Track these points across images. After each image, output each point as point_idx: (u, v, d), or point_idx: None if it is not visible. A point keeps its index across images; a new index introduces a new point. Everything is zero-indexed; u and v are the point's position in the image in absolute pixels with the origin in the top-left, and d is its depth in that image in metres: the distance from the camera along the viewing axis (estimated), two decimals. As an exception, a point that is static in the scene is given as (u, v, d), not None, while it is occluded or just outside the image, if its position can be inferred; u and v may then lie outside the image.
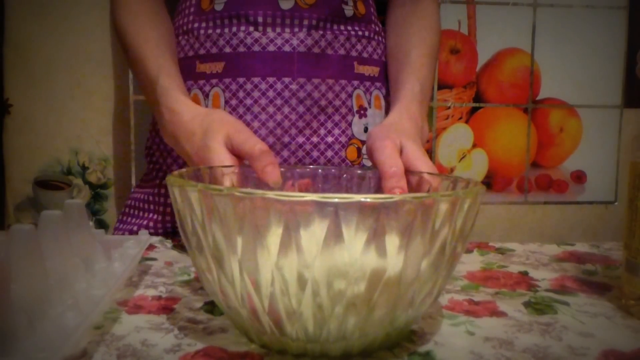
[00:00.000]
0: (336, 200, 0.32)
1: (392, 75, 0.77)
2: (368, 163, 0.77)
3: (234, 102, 0.71)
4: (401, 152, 0.56)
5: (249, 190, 0.33)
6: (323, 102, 0.73)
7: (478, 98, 1.23)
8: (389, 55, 0.79)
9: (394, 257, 0.34)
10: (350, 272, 0.33)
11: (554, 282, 0.56)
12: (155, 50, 0.69)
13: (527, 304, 0.49)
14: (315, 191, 0.54)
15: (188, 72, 0.73)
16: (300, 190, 0.54)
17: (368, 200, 0.32)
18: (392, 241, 0.33)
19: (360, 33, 0.76)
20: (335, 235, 0.32)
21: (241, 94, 0.71)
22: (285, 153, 0.72)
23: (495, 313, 0.47)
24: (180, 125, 0.62)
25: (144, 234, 0.57)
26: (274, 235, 0.33)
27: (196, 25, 0.74)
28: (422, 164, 0.54)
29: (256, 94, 0.71)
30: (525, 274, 0.58)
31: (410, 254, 0.34)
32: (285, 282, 0.34)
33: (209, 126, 0.58)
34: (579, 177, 1.28)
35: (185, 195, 0.36)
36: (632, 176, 0.46)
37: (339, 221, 0.32)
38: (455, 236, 0.36)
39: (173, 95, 0.64)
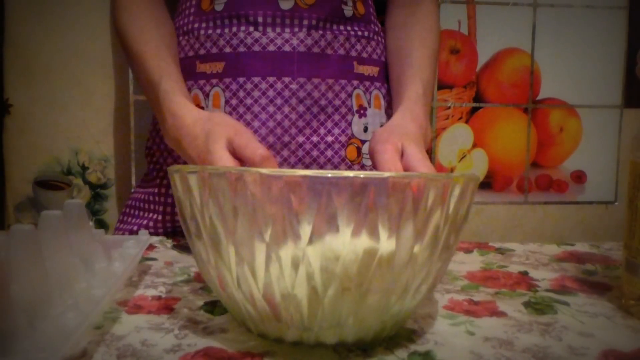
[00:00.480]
0: (329, 175, 0.33)
1: (393, 76, 0.77)
2: (368, 162, 0.77)
3: (234, 101, 0.71)
4: (402, 154, 0.56)
5: (243, 168, 0.34)
6: (323, 102, 0.73)
7: (478, 98, 1.23)
8: (389, 56, 0.80)
9: (385, 238, 0.34)
10: (342, 253, 0.34)
11: (554, 282, 0.56)
12: (156, 53, 0.69)
13: (527, 304, 0.49)
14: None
15: (188, 72, 0.73)
16: None
17: (360, 176, 0.33)
18: (384, 222, 0.34)
19: (359, 33, 0.76)
20: (328, 215, 0.33)
21: (241, 94, 0.71)
22: (285, 152, 0.72)
23: (495, 313, 0.47)
24: (183, 129, 0.62)
25: (144, 234, 0.57)
26: (269, 216, 0.34)
27: (196, 25, 0.74)
28: (423, 166, 0.54)
29: (256, 93, 0.71)
30: (525, 274, 0.58)
31: (402, 235, 0.35)
32: (280, 265, 0.34)
33: (210, 130, 0.58)
34: (579, 177, 1.28)
35: (185, 180, 0.37)
36: (632, 176, 0.46)
37: (332, 199, 0.33)
38: (448, 222, 0.37)
39: (175, 99, 0.64)
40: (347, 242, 0.34)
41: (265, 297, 0.36)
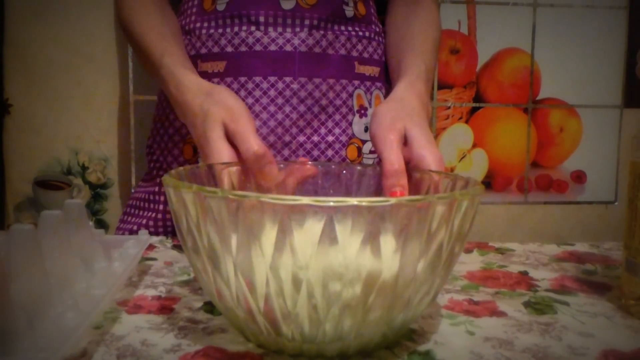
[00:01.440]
0: (331, 204, 0.32)
1: (393, 64, 0.75)
2: (369, 162, 0.77)
3: (234, 101, 0.71)
4: (406, 139, 0.55)
5: (242, 193, 0.33)
6: (324, 102, 0.73)
7: (478, 98, 1.23)
8: (390, 49, 0.79)
9: (389, 259, 0.34)
10: (345, 274, 0.33)
11: (554, 282, 0.56)
12: (159, 36, 0.69)
13: (527, 304, 0.49)
14: (315, 187, 0.54)
15: None
16: (304, 178, 0.54)
17: (363, 204, 0.32)
18: (388, 243, 0.33)
19: (360, 33, 0.76)
20: (329, 238, 0.32)
21: (242, 93, 0.71)
22: (286, 152, 0.72)
23: (495, 313, 0.46)
24: (185, 106, 0.61)
25: (144, 234, 0.57)
26: (269, 237, 0.33)
27: (198, 25, 0.74)
28: (428, 153, 0.53)
29: (257, 93, 0.71)
30: (525, 273, 0.58)
31: (406, 256, 0.34)
32: (280, 283, 0.34)
33: (208, 111, 0.57)
34: (579, 177, 1.28)
35: (180, 196, 0.36)
36: (632, 176, 0.46)
37: (333, 224, 0.32)
38: (453, 237, 0.36)
39: (176, 71, 0.63)
40: (349, 262, 0.33)
41: (265, 315, 0.35)
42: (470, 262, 0.62)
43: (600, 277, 0.58)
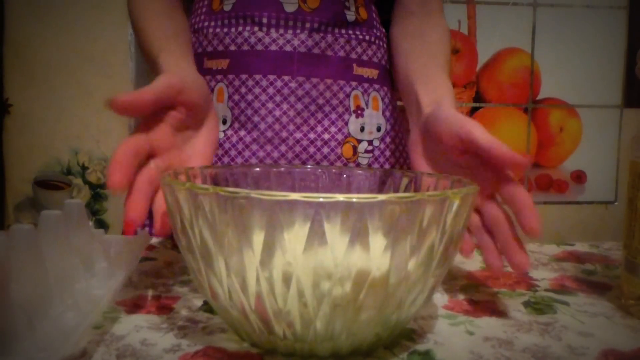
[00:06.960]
0: (320, 199, 0.32)
1: (416, 73, 0.74)
2: (364, 161, 0.77)
3: (236, 97, 0.74)
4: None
5: (233, 189, 0.33)
6: (321, 101, 0.74)
7: (478, 98, 1.23)
8: (405, 55, 0.77)
9: (379, 257, 0.34)
10: (334, 272, 0.33)
11: (554, 281, 0.56)
12: (161, 34, 0.68)
13: (526, 304, 0.49)
14: (316, 190, 0.54)
15: (196, 68, 0.73)
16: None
17: (352, 200, 0.32)
18: (378, 241, 0.33)
19: (360, 37, 0.77)
20: (318, 235, 0.32)
21: (243, 90, 0.73)
22: (283, 148, 0.73)
23: (495, 313, 0.47)
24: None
25: (143, 234, 0.57)
26: (259, 234, 0.33)
27: (206, 24, 0.77)
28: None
29: (257, 90, 0.73)
30: (524, 273, 0.59)
31: (396, 254, 0.34)
32: (271, 281, 0.34)
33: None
34: (579, 177, 1.28)
35: (174, 194, 0.36)
36: (632, 176, 0.46)
37: (322, 221, 0.32)
38: (445, 237, 0.36)
39: (166, 67, 0.61)
40: (338, 260, 0.33)
41: (257, 311, 0.36)
42: (470, 262, 0.62)
43: (599, 277, 0.58)
